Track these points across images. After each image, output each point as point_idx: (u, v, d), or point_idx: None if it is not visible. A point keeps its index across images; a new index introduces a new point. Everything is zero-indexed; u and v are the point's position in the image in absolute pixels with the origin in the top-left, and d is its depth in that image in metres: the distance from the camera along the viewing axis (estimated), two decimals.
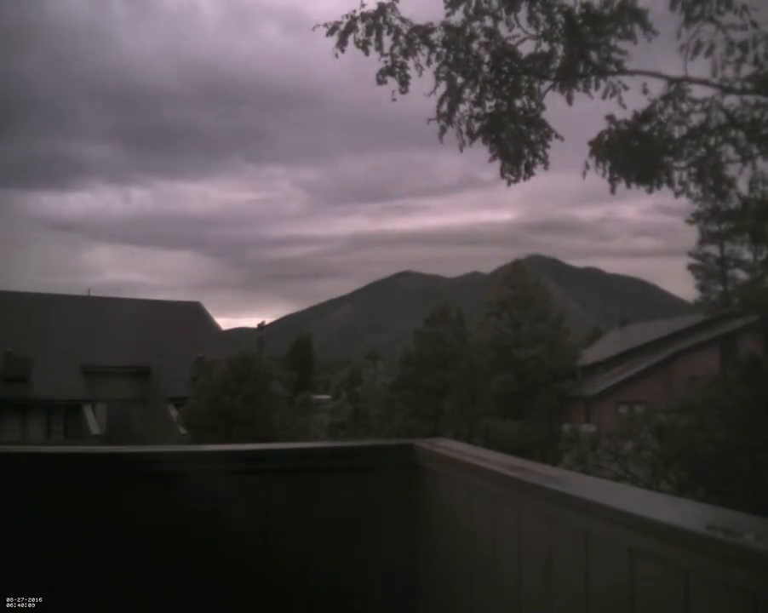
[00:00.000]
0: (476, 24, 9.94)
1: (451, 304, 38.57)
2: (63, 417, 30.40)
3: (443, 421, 31.50)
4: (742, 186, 11.04)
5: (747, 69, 9.81)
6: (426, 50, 9.89)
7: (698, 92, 10.27)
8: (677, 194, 10.53)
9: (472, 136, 10.19)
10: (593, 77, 9.96)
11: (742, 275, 28.98)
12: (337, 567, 2.77)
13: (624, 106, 10.11)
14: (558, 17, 9.79)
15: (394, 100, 9.85)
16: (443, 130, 10.06)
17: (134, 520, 2.66)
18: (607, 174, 10.29)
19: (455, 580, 2.54)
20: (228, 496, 2.75)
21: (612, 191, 10.30)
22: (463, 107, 10.16)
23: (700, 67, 9.95)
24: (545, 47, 10.03)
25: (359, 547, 2.81)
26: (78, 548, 2.60)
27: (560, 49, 10.00)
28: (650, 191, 10.31)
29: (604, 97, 9.98)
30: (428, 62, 9.92)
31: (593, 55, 9.91)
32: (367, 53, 9.68)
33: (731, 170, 10.78)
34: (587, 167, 10.34)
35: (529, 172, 10.36)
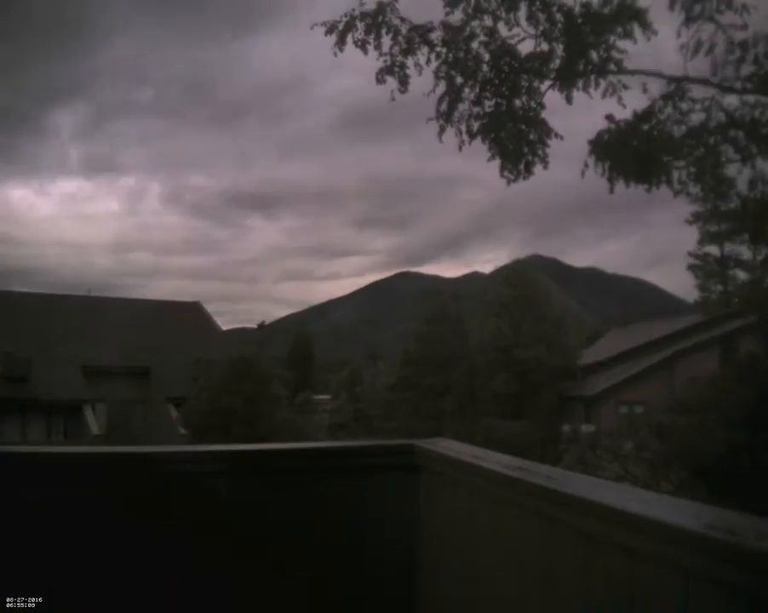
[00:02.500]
0: (475, 23, 9.94)
1: (451, 304, 38.57)
2: (63, 417, 30.36)
3: (443, 420, 31.48)
4: (742, 186, 11.04)
5: (747, 68, 9.82)
6: (425, 49, 9.89)
7: (698, 91, 10.27)
8: (676, 193, 10.53)
9: (472, 135, 10.19)
10: (592, 77, 9.95)
11: (742, 275, 28.96)
12: (337, 567, 2.76)
13: (624, 106, 10.11)
14: (558, 16, 9.79)
15: (393, 99, 9.85)
16: (442, 129, 10.06)
17: (134, 520, 2.65)
18: (606, 174, 10.29)
19: (456, 580, 2.53)
20: (228, 496, 2.74)
21: (611, 190, 10.30)
22: (463, 106, 10.17)
23: (700, 67, 9.96)
24: (544, 46, 10.03)
25: (359, 547, 2.81)
26: (78, 548, 2.60)
27: (560, 49, 9.99)
28: (648, 191, 10.31)
29: (603, 96, 9.98)
30: (428, 61, 9.92)
31: (593, 55, 9.90)
32: (366, 52, 9.68)
33: (731, 170, 10.78)
34: (587, 166, 10.33)
35: (528, 171, 10.35)
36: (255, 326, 39.70)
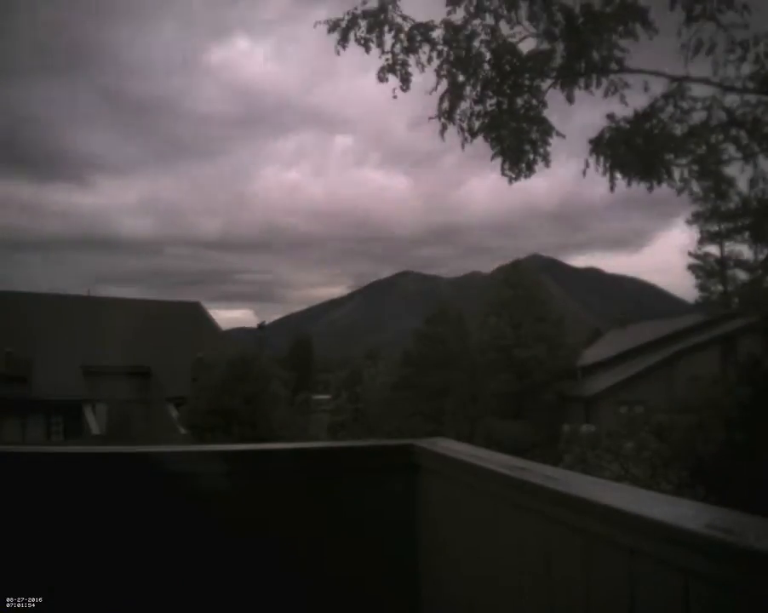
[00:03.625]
0: (477, 22, 9.93)
1: (451, 304, 38.59)
2: (63, 417, 30.38)
3: (443, 420, 31.45)
4: (743, 185, 11.05)
5: (747, 68, 9.82)
6: (427, 48, 9.89)
7: (699, 91, 10.27)
8: (678, 192, 10.53)
9: (473, 134, 10.18)
10: (594, 76, 9.94)
11: (742, 275, 28.99)
12: (337, 568, 2.76)
13: (626, 104, 10.11)
14: (559, 15, 9.78)
15: (395, 97, 9.86)
16: (444, 128, 10.06)
17: (134, 520, 2.65)
18: (607, 173, 10.28)
19: (456, 580, 2.53)
20: (228, 496, 2.74)
21: (611, 188, 10.29)
22: (464, 105, 10.16)
23: (701, 66, 9.95)
24: (546, 45, 10.02)
25: (360, 547, 2.80)
26: (78, 548, 2.59)
27: (561, 47, 9.99)
28: (650, 189, 10.30)
29: (605, 95, 9.98)
30: (429, 60, 9.92)
31: (594, 53, 9.89)
32: (368, 50, 9.69)
33: (733, 169, 10.79)
34: (587, 165, 10.32)
35: (530, 169, 10.35)
36: (254, 326, 39.68)
